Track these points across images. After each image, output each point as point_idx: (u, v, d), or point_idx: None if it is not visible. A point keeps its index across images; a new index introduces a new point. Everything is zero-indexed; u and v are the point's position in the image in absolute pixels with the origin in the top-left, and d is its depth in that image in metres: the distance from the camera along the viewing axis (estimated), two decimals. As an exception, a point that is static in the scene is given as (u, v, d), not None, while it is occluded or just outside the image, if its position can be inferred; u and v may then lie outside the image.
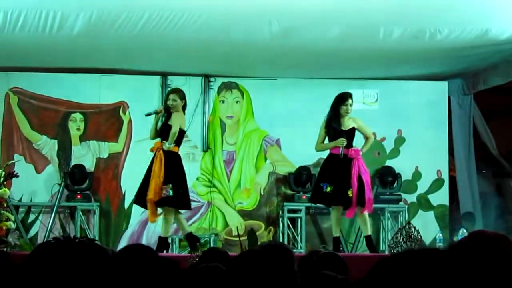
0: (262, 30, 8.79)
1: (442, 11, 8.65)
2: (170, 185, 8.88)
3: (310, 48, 9.46)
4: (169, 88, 11.17)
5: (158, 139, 9.10)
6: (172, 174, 8.92)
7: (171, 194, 8.88)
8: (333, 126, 9.04)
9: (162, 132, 9.07)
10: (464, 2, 8.47)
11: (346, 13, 8.55)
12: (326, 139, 9.24)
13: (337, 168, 9.02)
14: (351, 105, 9.09)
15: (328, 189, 9.03)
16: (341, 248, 9.70)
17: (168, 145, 8.93)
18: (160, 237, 9.20)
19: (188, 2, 8.35)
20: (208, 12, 8.46)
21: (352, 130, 9.14)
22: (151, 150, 9.09)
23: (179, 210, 9.19)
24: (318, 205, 10.48)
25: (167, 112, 9.07)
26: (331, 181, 9.04)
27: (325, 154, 9.35)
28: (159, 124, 9.11)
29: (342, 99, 9.10)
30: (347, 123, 9.11)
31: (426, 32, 8.98)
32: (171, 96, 9.11)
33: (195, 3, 8.34)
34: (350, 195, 8.93)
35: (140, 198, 9.08)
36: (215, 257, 4.64)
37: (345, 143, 8.97)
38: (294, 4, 8.33)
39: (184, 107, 9.15)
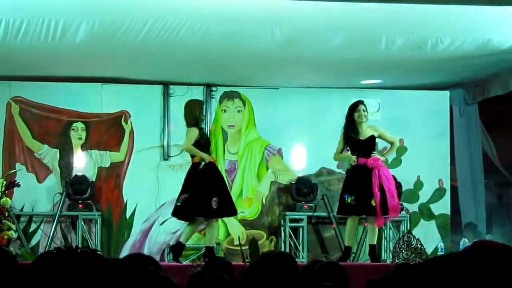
0: (265, 39, 8.79)
1: (444, 21, 8.66)
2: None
3: (312, 57, 9.47)
4: (171, 97, 11.19)
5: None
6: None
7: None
8: (352, 135, 9.08)
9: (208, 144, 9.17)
10: (466, 12, 8.47)
11: (349, 23, 8.56)
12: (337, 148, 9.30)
13: (358, 178, 9.09)
14: (364, 111, 9.11)
15: (349, 199, 9.12)
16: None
17: None
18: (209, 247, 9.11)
19: (190, 11, 8.35)
20: (210, 21, 8.46)
21: (371, 138, 9.14)
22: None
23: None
24: (321, 214, 10.49)
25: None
26: (352, 191, 9.11)
27: (327, 164, 9.32)
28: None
29: (354, 106, 9.16)
30: (366, 132, 9.13)
31: (428, 41, 8.98)
32: None
33: (197, 12, 8.34)
34: (374, 204, 8.97)
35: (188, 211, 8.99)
36: (219, 267, 4.63)
37: (354, 162, 9.04)
38: (296, 13, 8.33)
39: None
